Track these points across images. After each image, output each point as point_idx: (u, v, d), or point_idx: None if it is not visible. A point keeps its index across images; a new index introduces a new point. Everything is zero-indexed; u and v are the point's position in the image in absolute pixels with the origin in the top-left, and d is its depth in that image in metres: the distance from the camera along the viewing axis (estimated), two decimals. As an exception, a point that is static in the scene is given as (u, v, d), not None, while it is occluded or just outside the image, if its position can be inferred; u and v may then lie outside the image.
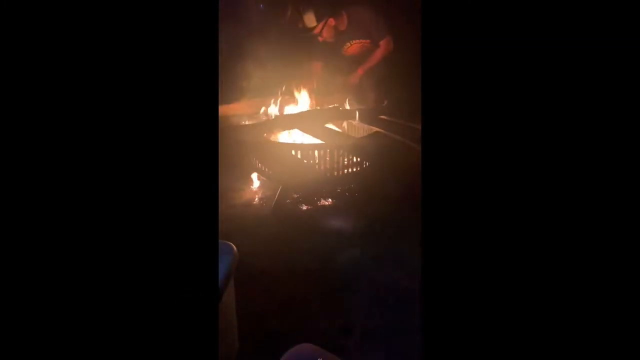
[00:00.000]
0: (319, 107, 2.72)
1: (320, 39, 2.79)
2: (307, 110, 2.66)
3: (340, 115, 2.70)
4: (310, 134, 2.42)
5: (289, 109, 2.71)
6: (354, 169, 2.31)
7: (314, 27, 2.70)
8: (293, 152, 2.21)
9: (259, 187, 2.48)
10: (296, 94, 2.75)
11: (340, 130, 2.70)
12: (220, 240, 1.10)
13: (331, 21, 2.73)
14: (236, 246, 1.10)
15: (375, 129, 2.48)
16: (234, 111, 2.72)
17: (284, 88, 2.73)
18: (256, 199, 2.38)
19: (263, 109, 2.67)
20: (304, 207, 2.25)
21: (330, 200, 2.31)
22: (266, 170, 2.34)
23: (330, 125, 2.62)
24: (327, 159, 2.21)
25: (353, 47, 2.87)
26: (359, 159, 2.29)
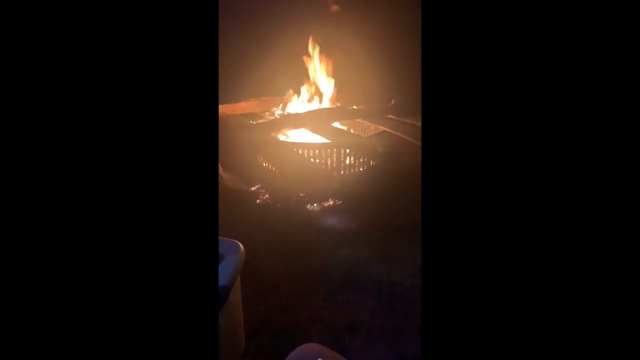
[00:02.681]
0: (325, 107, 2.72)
1: None
2: (314, 110, 2.66)
3: (347, 115, 2.69)
4: (317, 133, 2.42)
5: (296, 108, 2.71)
6: (361, 169, 2.30)
7: None
8: (300, 152, 2.21)
9: (265, 186, 2.49)
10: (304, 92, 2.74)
11: (347, 130, 2.69)
12: (227, 239, 1.11)
13: None
14: (243, 245, 1.11)
15: (382, 128, 2.48)
16: (241, 110, 2.73)
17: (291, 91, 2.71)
18: (263, 198, 2.39)
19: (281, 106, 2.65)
20: (310, 207, 2.25)
21: (336, 199, 2.31)
22: (273, 169, 2.34)
23: (337, 125, 2.61)
24: (334, 158, 2.21)
25: None
26: (365, 159, 2.29)
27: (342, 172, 2.26)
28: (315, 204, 2.27)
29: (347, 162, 2.26)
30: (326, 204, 2.27)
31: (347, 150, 2.25)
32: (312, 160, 2.21)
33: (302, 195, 2.31)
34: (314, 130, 2.45)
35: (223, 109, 2.70)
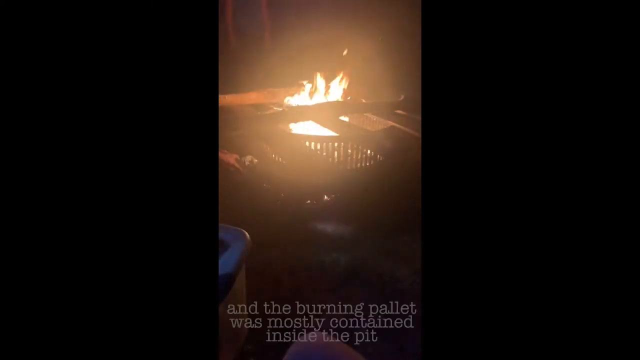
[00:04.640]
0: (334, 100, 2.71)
1: None
2: (322, 103, 2.65)
3: (356, 109, 2.68)
4: (325, 126, 2.42)
5: (304, 100, 2.70)
6: (368, 163, 2.30)
7: None
8: (307, 144, 2.21)
9: (271, 177, 2.48)
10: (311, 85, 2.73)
11: (355, 124, 2.68)
12: (232, 227, 1.11)
13: None
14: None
15: (391, 123, 2.47)
16: (250, 100, 2.73)
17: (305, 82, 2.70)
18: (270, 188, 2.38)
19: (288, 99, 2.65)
20: (315, 199, 2.24)
21: (342, 192, 2.30)
22: (280, 160, 2.34)
23: (344, 118, 2.60)
24: (341, 151, 2.20)
25: None
26: (373, 153, 2.28)
27: (348, 166, 2.25)
28: (320, 196, 2.27)
29: (355, 156, 2.26)
30: (332, 197, 2.27)
31: (355, 144, 2.24)
32: (318, 152, 2.21)
33: (307, 187, 2.30)
34: (322, 123, 2.44)
35: (231, 99, 2.70)
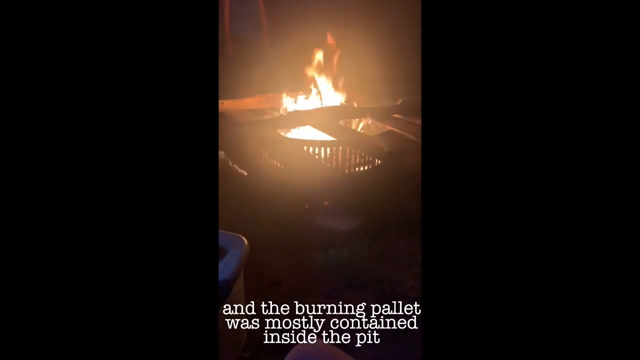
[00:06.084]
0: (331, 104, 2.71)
1: None
2: (321, 107, 2.66)
3: (353, 113, 2.69)
4: (323, 131, 2.42)
5: (302, 105, 2.71)
6: (366, 167, 2.30)
7: None
8: (305, 148, 2.21)
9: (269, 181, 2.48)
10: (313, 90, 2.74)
11: (353, 128, 2.69)
12: (231, 233, 1.11)
13: None
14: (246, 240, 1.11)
15: (388, 127, 2.47)
16: (248, 106, 2.73)
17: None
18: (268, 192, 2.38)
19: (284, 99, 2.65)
20: (313, 204, 2.24)
21: (340, 196, 2.30)
22: (278, 164, 2.34)
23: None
24: (339, 155, 2.21)
25: None
26: (371, 157, 2.29)
27: (346, 170, 2.26)
28: (319, 201, 2.26)
29: (353, 160, 2.26)
30: (330, 201, 2.27)
31: (353, 149, 2.24)
32: (316, 157, 2.21)
33: (306, 191, 2.30)
34: (320, 127, 2.45)
35: (229, 104, 2.70)
